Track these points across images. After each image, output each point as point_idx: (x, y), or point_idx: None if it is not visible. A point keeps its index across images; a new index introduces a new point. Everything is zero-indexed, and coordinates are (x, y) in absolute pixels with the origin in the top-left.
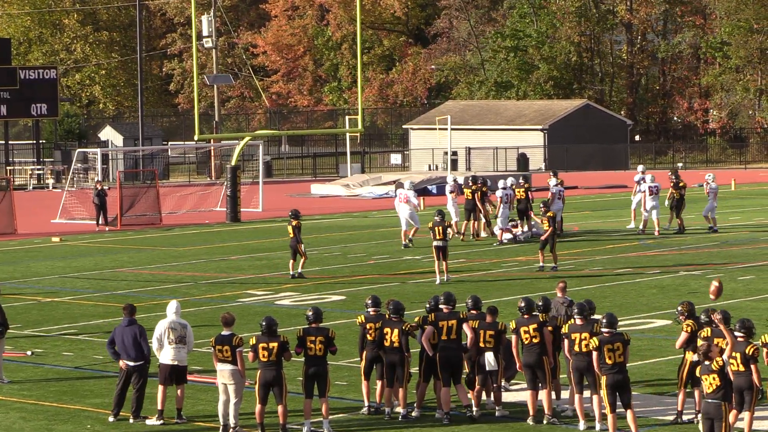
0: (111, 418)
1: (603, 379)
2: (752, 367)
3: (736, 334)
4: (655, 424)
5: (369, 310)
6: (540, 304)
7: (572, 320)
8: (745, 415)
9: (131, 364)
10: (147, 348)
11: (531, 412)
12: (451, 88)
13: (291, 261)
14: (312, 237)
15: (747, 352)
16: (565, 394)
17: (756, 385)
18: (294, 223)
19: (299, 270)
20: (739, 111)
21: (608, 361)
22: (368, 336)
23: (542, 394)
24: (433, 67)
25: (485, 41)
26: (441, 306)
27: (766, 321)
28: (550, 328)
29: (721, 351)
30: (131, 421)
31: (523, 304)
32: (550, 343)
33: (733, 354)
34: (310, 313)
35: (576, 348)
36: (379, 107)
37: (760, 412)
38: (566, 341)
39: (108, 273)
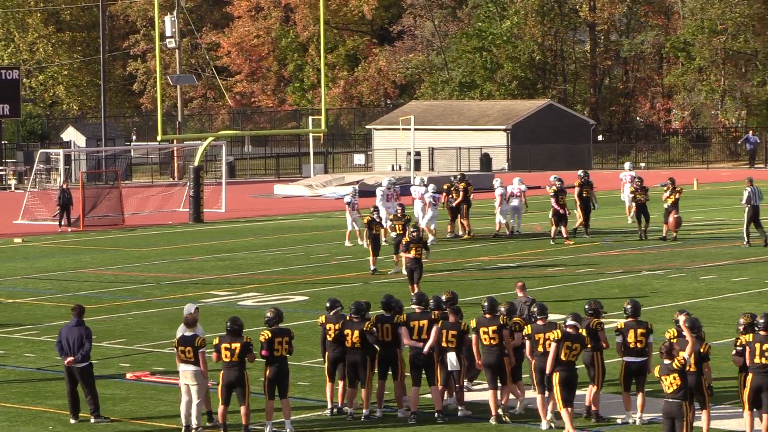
0: (72, 420)
1: (555, 376)
2: (704, 365)
3: (683, 333)
4: (621, 423)
5: (330, 312)
6: (503, 309)
7: (534, 321)
8: (702, 414)
9: (75, 365)
10: (89, 349)
11: (493, 412)
12: (415, 88)
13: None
14: (275, 237)
15: (701, 350)
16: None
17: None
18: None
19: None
20: (701, 111)
21: (562, 358)
22: (328, 337)
23: (500, 394)
24: (398, 65)
25: (450, 41)
26: (413, 306)
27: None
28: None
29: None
30: (92, 421)
31: (486, 304)
32: (510, 344)
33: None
34: (272, 315)
35: (539, 348)
36: (344, 107)
37: (720, 411)
38: (528, 342)
39: (70, 274)
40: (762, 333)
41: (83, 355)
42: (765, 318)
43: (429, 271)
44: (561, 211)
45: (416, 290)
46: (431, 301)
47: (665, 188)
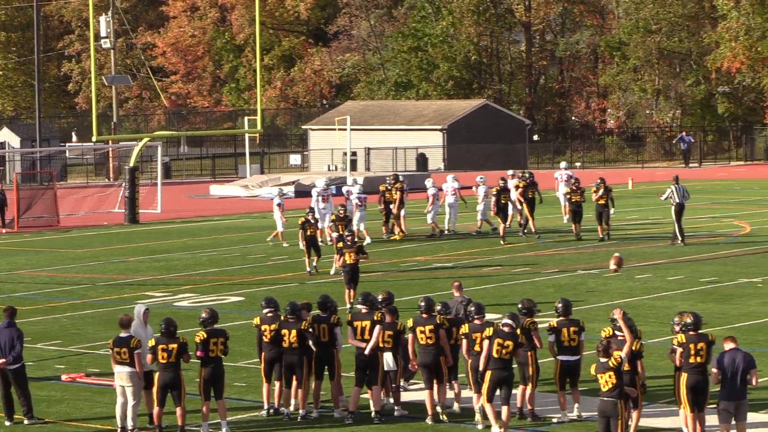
0: (7, 423)
1: (488, 374)
2: (638, 363)
3: (616, 333)
4: (557, 422)
5: (264, 311)
6: (440, 308)
7: (471, 320)
8: (633, 414)
9: (7, 367)
10: (20, 350)
11: (429, 412)
12: (351, 89)
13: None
14: (211, 238)
15: (634, 349)
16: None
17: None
18: None
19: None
20: (636, 110)
21: (495, 355)
22: (264, 337)
23: (436, 393)
24: (334, 65)
25: (386, 40)
26: (359, 306)
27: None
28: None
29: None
30: (26, 422)
31: (422, 304)
32: (446, 344)
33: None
34: (207, 315)
35: (476, 347)
36: (280, 108)
37: (655, 409)
38: (465, 341)
39: (5, 275)
40: (691, 333)
41: (14, 357)
42: (693, 318)
43: (365, 272)
44: (492, 212)
45: (353, 296)
46: (359, 297)
47: (595, 188)
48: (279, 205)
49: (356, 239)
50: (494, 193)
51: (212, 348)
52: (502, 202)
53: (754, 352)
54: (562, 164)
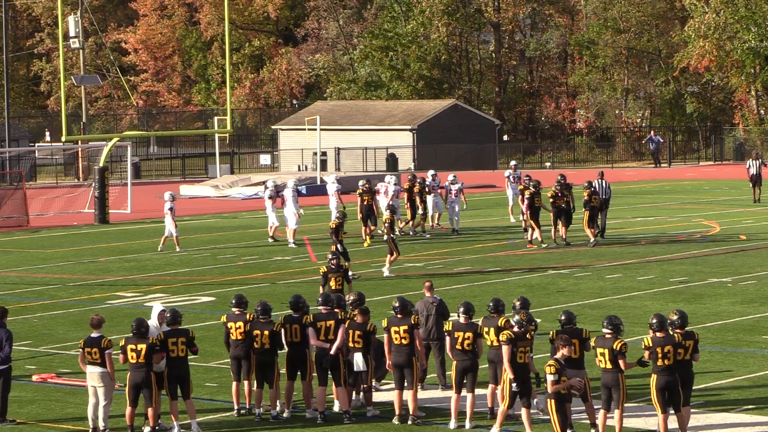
0: None
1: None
2: (620, 362)
3: (604, 330)
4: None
5: (233, 309)
6: (397, 305)
7: (454, 318)
8: (615, 413)
9: None
10: (9, 352)
11: (397, 412)
12: (322, 89)
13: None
14: (181, 238)
15: (615, 347)
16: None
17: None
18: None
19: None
20: (605, 110)
21: (458, 347)
22: (233, 336)
23: (408, 395)
24: (303, 65)
25: (357, 39)
26: (319, 307)
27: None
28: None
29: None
30: None
31: (397, 304)
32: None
33: (601, 350)
34: (168, 315)
35: (458, 346)
36: (250, 108)
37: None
38: (449, 338)
39: None
40: (659, 335)
41: (3, 358)
42: (657, 319)
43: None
44: (524, 216)
45: None
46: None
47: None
48: (171, 209)
49: (342, 264)
50: (527, 196)
51: (172, 348)
52: (536, 205)
53: (724, 351)
54: (512, 163)
